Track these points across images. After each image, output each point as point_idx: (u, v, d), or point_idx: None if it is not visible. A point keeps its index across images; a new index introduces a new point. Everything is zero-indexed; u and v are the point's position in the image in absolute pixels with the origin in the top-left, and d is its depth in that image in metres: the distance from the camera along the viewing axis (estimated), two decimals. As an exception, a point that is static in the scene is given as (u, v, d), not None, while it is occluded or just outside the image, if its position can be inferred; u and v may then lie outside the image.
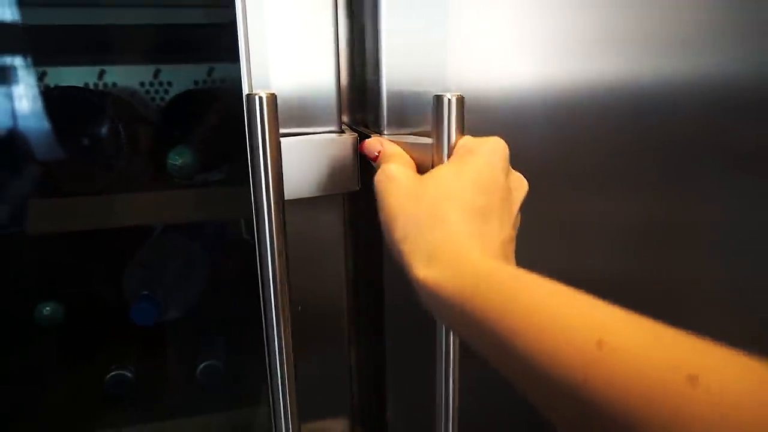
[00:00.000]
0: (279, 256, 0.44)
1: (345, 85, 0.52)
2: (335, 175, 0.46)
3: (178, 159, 0.56)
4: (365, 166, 0.47)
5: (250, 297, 0.80)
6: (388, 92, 0.46)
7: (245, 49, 0.44)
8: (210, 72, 0.89)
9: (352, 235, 0.53)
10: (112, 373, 0.67)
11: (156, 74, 0.88)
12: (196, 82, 0.89)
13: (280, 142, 0.42)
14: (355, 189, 0.47)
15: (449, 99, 0.37)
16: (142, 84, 0.88)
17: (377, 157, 0.42)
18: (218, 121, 0.67)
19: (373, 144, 0.43)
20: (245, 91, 0.44)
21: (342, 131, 0.47)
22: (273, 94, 0.41)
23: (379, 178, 0.37)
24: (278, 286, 0.45)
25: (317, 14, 0.45)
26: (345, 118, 0.52)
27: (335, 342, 0.55)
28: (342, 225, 0.49)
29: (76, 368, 0.70)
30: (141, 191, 0.56)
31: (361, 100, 0.51)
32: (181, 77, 0.89)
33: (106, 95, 0.71)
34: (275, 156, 0.42)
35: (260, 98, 0.40)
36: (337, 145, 0.46)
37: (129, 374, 0.68)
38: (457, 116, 0.38)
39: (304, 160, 0.45)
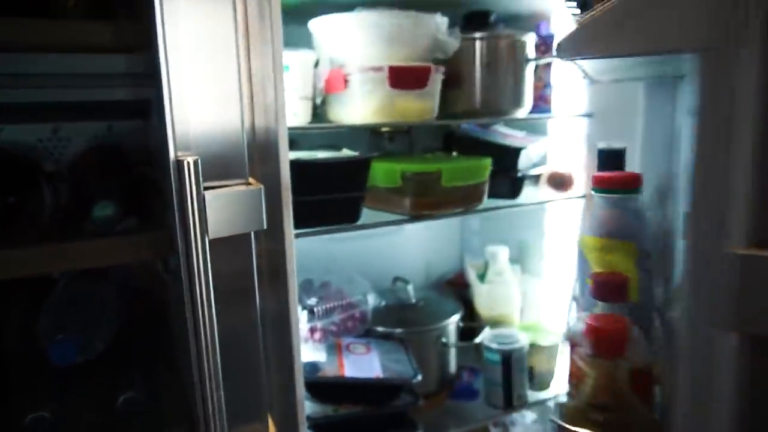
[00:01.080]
0: (207, 287, 0.55)
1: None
2: (247, 217, 0.58)
3: (101, 212, 0.64)
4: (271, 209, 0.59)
5: (164, 329, 0.87)
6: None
7: (170, 119, 0.55)
8: (110, 128, 0.96)
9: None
10: (32, 415, 0.71)
11: (55, 131, 0.94)
12: (96, 137, 0.96)
13: (204, 195, 0.54)
14: (262, 228, 0.59)
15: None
16: (40, 140, 0.92)
17: None
18: (131, 174, 0.76)
19: None
20: (172, 155, 0.55)
21: (249, 183, 0.60)
22: (197, 158, 0.53)
23: None
24: (206, 314, 0.56)
25: (228, 100, 0.57)
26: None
27: (252, 363, 0.66)
28: (253, 258, 0.61)
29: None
30: (65, 241, 0.63)
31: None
32: (81, 132, 0.95)
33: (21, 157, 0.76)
34: (201, 207, 0.53)
35: (188, 162, 0.52)
36: (247, 194, 0.58)
37: (47, 415, 0.72)
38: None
39: (222, 207, 0.57)
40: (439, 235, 1.50)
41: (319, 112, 1.04)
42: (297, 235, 0.87)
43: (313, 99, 0.98)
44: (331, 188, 0.88)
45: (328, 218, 0.90)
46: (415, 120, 0.95)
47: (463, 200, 0.98)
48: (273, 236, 0.70)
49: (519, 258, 1.36)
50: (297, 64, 0.92)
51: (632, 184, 0.88)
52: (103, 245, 0.60)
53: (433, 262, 1.52)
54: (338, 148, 1.05)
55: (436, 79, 0.95)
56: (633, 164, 1.00)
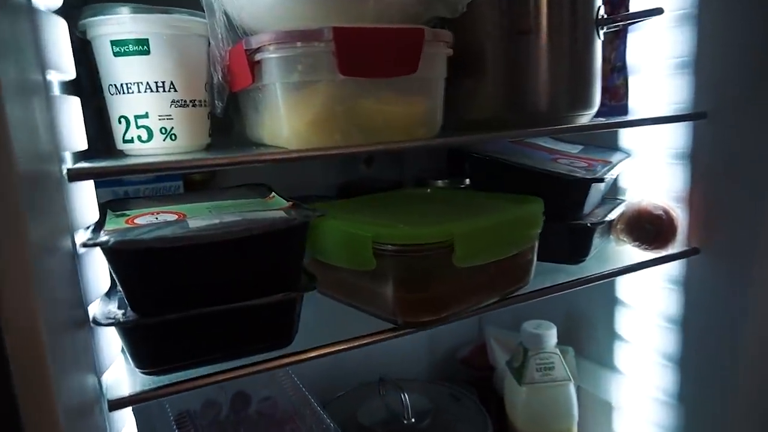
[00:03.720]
0: None
1: None
2: None
3: None
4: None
5: None
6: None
7: None
8: None
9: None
10: None
11: None
12: None
13: None
14: None
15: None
16: None
17: None
18: None
19: None
20: None
21: None
22: None
23: None
24: None
25: None
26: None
27: None
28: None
29: None
30: None
31: None
32: None
33: None
34: None
35: None
36: None
37: None
38: None
39: None
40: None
41: (236, 125, 0.59)
42: (143, 397, 0.41)
43: (212, 104, 0.52)
44: (215, 294, 0.42)
45: (227, 347, 0.44)
46: (399, 137, 0.49)
47: (495, 286, 0.52)
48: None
49: (570, 335, 0.90)
50: (166, 40, 0.47)
51: None
52: None
53: (438, 331, 1.05)
54: (266, 188, 0.59)
55: (437, 58, 0.49)
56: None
